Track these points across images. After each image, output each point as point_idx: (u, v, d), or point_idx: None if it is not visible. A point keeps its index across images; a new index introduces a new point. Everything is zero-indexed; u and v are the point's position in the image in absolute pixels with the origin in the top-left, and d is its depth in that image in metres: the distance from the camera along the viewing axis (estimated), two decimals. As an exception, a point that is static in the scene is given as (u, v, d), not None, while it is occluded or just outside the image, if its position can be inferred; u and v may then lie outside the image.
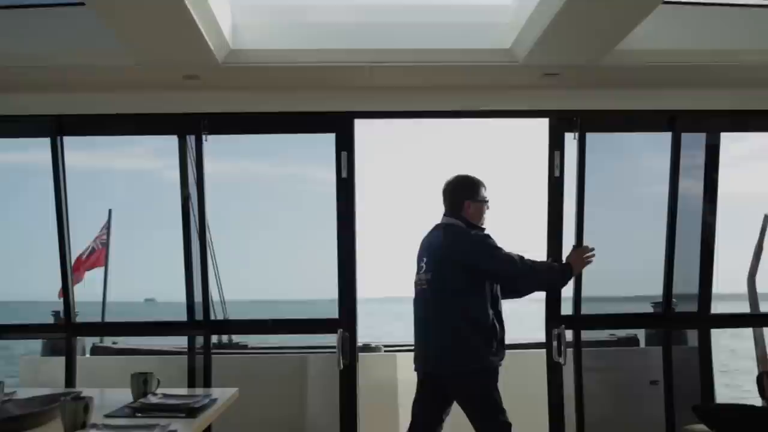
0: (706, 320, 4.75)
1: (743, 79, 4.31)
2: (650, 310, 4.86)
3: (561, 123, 4.46)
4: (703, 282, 4.67)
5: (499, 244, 3.98)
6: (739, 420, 4.12)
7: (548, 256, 4.43)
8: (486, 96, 4.49)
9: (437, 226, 4.16)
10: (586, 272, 4.38)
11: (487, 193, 4.18)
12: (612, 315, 4.86)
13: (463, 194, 4.12)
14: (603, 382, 5.62)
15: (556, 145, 4.45)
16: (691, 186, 4.68)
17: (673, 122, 4.50)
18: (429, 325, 4.03)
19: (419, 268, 4.09)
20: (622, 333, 5.76)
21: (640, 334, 5.43)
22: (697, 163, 4.67)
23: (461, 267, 3.96)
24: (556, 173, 4.45)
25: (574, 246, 4.37)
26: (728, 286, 5.08)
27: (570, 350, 4.49)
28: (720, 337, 5.30)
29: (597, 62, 3.93)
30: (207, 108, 4.45)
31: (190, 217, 4.59)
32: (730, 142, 4.76)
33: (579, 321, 4.59)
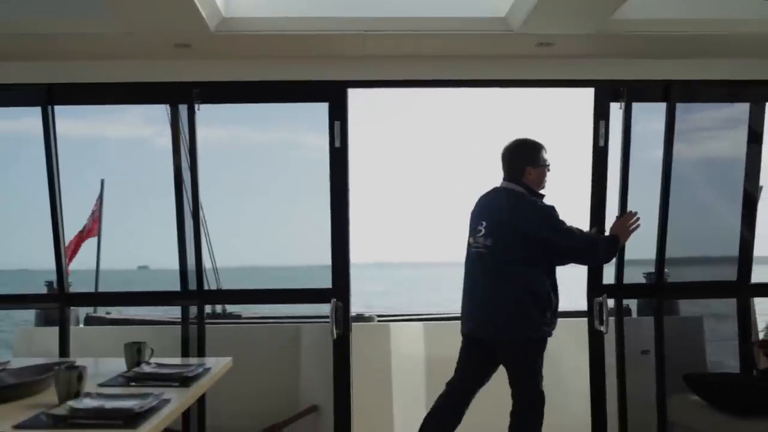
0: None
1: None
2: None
3: (608, 92, 4.44)
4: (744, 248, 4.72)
5: (562, 217, 4.01)
6: (730, 389, 4.17)
7: (591, 227, 4.44)
8: (481, 65, 4.45)
9: (496, 189, 4.16)
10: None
11: (548, 155, 4.17)
12: (652, 285, 4.84)
13: (524, 160, 4.11)
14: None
15: (601, 115, 4.44)
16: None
17: (668, 92, 4.48)
18: (487, 290, 4.05)
19: (476, 231, 4.10)
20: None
21: (632, 303, 5.47)
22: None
23: (522, 235, 3.97)
24: (601, 143, 4.43)
25: (617, 216, 4.36)
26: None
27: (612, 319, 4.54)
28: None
29: (592, 31, 3.91)
30: (199, 77, 4.41)
31: (182, 186, 4.57)
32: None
33: (621, 290, 4.61)
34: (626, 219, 4.20)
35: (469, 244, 4.15)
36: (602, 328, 4.43)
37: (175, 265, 4.58)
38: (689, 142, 4.73)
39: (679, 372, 4.42)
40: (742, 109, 4.74)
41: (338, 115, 4.44)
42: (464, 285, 4.19)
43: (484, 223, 4.06)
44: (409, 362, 5.58)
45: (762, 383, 4.27)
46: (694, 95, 4.63)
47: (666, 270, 4.70)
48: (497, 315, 4.03)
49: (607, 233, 4.30)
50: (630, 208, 4.45)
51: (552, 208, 4.04)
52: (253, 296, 5.17)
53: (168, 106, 4.56)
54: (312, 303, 4.73)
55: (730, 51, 4.31)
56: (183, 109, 4.52)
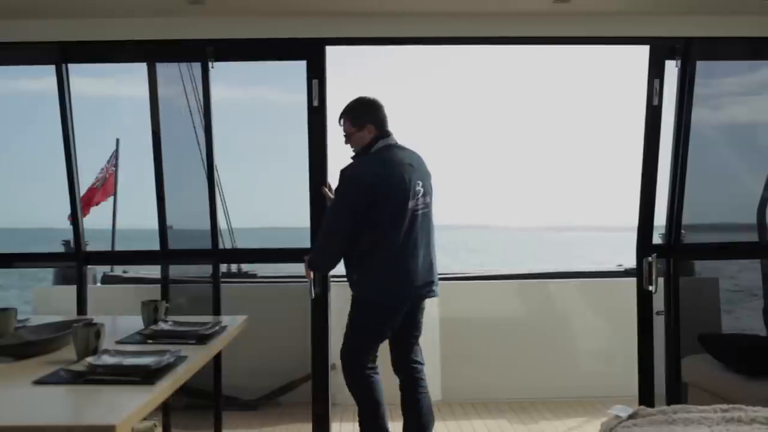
0: None
1: None
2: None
3: (662, 50, 4.37)
4: None
5: None
6: (745, 349, 4.16)
7: (642, 187, 4.44)
8: (466, 22, 4.38)
9: (399, 146, 4.03)
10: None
11: None
12: (699, 245, 4.84)
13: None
14: (608, 313, 5.74)
15: (656, 73, 4.37)
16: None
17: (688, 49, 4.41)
18: (432, 248, 4.04)
19: (415, 193, 3.92)
20: (628, 263, 5.82)
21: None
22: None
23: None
24: (655, 102, 4.38)
25: None
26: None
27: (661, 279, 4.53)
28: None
29: None
30: (213, 34, 4.38)
31: (197, 146, 4.57)
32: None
33: (671, 250, 4.59)
34: None
35: (409, 210, 3.88)
36: (651, 288, 4.43)
37: (196, 224, 4.60)
38: (713, 106, 4.67)
39: (695, 332, 4.42)
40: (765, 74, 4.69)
41: (316, 73, 4.38)
42: (406, 252, 3.88)
43: (420, 182, 3.96)
44: (424, 321, 5.61)
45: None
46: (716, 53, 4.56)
47: (683, 232, 4.68)
48: (433, 267, 4.06)
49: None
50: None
51: None
52: (267, 255, 5.18)
53: (180, 65, 4.53)
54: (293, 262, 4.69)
55: (750, 8, 4.23)
56: (191, 67, 4.49)
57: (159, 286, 4.63)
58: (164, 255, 4.62)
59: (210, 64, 4.42)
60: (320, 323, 4.48)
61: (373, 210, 3.83)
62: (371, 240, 3.87)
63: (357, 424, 4.10)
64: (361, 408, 4.03)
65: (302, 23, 4.33)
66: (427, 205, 4.00)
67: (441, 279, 5.92)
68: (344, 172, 3.94)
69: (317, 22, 4.33)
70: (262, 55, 4.60)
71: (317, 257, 4.08)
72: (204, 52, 4.39)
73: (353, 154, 4.02)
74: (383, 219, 3.84)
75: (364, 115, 3.98)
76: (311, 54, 4.39)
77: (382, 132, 3.98)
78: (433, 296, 4.08)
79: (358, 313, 4.01)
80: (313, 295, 4.41)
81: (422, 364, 4.15)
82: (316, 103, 4.38)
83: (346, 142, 4.05)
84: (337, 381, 5.39)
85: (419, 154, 4.09)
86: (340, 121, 4.06)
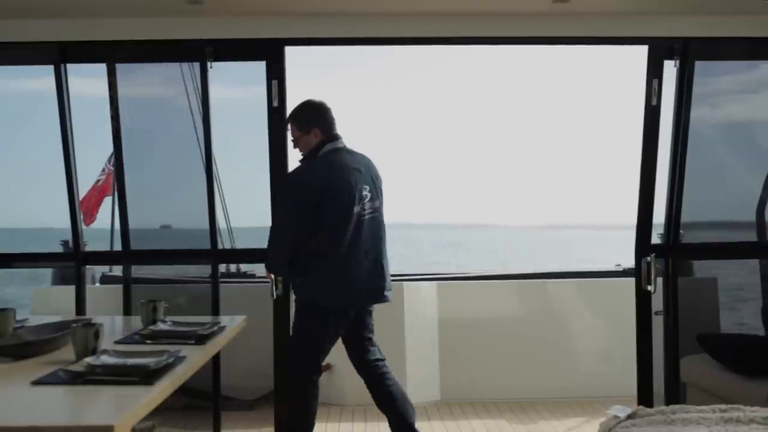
0: None
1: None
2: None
3: (661, 50, 4.38)
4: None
5: None
6: (744, 349, 4.16)
7: (641, 187, 4.45)
8: (432, 22, 4.37)
9: (347, 150, 4.01)
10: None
11: None
12: (698, 244, 4.83)
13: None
14: (607, 313, 5.74)
15: (654, 73, 4.39)
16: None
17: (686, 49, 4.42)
18: (383, 252, 4.03)
19: (362, 197, 3.90)
20: (626, 262, 5.83)
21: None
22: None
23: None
24: (653, 102, 4.39)
25: None
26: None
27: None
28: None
29: None
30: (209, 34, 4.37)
31: (196, 145, 4.57)
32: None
33: (670, 250, 4.60)
34: None
35: (356, 214, 3.87)
36: (650, 288, 4.44)
37: (196, 224, 4.60)
38: (711, 105, 4.68)
39: (693, 332, 4.42)
40: (764, 72, 4.69)
41: (276, 74, 4.39)
42: (350, 257, 3.87)
43: (367, 187, 3.94)
44: (422, 321, 5.61)
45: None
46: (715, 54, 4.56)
47: (681, 231, 4.68)
48: (389, 276, 4.06)
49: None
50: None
51: None
52: (265, 255, 5.18)
53: (181, 64, 4.53)
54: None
55: (749, 8, 4.24)
56: (193, 67, 4.49)
57: (158, 286, 4.63)
58: (126, 255, 4.61)
59: (209, 64, 4.42)
60: (282, 325, 4.46)
61: (319, 214, 3.82)
62: (316, 244, 3.86)
63: (357, 425, 4.10)
64: (295, 419, 3.97)
65: (261, 23, 4.32)
66: (375, 210, 3.98)
67: (440, 279, 5.97)
68: (291, 175, 4.01)
69: (276, 23, 4.32)
70: (220, 56, 4.53)
71: (271, 259, 4.08)
72: (203, 51, 4.39)
73: (301, 158, 4.01)
74: (328, 223, 3.83)
75: (311, 119, 3.96)
76: (270, 54, 4.39)
77: (329, 136, 3.96)
78: (384, 302, 4.06)
79: (303, 319, 3.97)
80: (275, 296, 4.41)
81: (383, 359, 4.13)
82: (275, 103, 4.39)
83: (294, 147, 4.05)
84: (334, 381, 5.41)
85: (369, 158, 4.09)
86: (287, 125, 4.07)
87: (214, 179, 4.61)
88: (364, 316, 4.07)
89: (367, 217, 3.92)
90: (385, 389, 4.03)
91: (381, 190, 4.05)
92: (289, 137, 4.05)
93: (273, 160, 4.44)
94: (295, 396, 3.94)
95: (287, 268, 4.02)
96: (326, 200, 3.82)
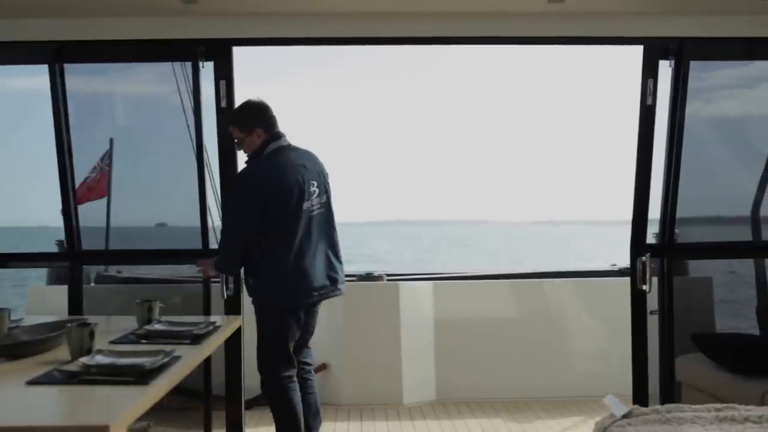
0: None
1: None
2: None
3: (656, 50, 4.38)
4: None
5: None
6: (739, 349, 4.18)
7: (636, 187, 4.46)
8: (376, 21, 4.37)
9: (292, 147, 4.02)
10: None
11: None
12: (693, 244, 4.86)
13: None
14: (602, 312, 5.74)
15: (649, 73, 4.39)
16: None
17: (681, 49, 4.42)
18: (334, 247, 4.04)
19: (310, 194, 3.92)
20: (623, 261, 5.83)
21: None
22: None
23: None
24: (649, 101, 4.40)
25: None
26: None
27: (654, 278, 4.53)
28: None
29: None
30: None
31: (189, 144, 4.56)
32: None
33: (665, 250, 4.60)
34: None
35: (304, 211, 3.88)
36: (645, 287, 4.45)
37: (192, 222, 4.60)
38: (706, 100, 4.70)
39: (688, 332, 4.43)
40: (759, 67, 4.71)
41: (223, 74, 4.38)
42: (302, 253, 3.87)
43: (314, 183, 3.95)
44: (418, 321, 5.62)
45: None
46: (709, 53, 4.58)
47: (676, 230, 4.69)
48: (342, 269, 4.07)
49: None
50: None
51: None
52: None
53: (173, 64, 4.52)
54: None
55: (744, 8, 4.25)
56: (186, 66, 4.48)
57: (153, 285, 4.62)
58: (71, 255, 4.60)
59: (201, 63, 4.41)
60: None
61: (268, 213, 3.83)
62: (267, 244, 3.86)
63: (353, 424, 4.09)
64: (280, 420, 3.95)
65: (208, 23, 4.31)
66: (323, 205, 4.00)
67: (436, 279, 5.96)
68: (239, 176, 4.04)
69: (223, 23, 4.31)
70: (152, 56, 4.55)
71: (221, 259, 4.07)
72: (195, 51, 4.38)
73: (246, 159, 4.01)
74: (278, 222, 3.84)
75: (252, 119, 3.95)
76: (218, 55, 4.38)
77: (272, 134, 3.96)
78: (338, 294, 4.07)
79: (263, 320, 3.95)
80: (225, 296, 4.40)
81: (311, 365, 4.14)
82: (223, 104, 4.37)
83: (238, 149, 4.06)
84: (330, 381, 5.41)
85: (314, 154, 4.10)
86: (228, 128, 4.08)
87: (206, 177, 4.59)
88: (311, 316, 4.07)
89: (316, 212, 3.94)
90: (304, 395, 4.02)
91: (328, 185, 4.09)
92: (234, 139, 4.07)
93: (222, 161, 4.44)
94: (274, 395, 3.92)
95: (238, 268, 4.07)
96: (275, 199, 3.83)
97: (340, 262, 4.05)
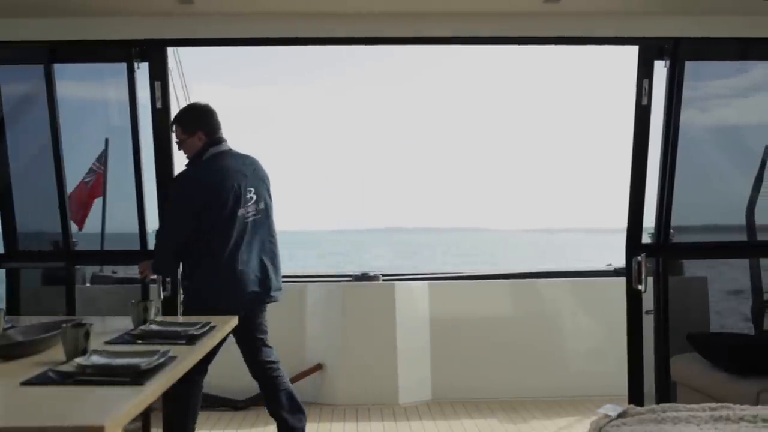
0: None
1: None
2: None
3: (651, 50, 4.39)
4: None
5: None
6: (734, 348, 4.18)
7: (631, 187, 4.47)
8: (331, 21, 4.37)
9: (232, 153, 4.05)
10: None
11: None
12: (688, 244, 4.88)
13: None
14: (598, 312, 5.75)
15: (645, 73, 4.40)
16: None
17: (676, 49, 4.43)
18: (274, 254, 4.06)
19: (246, 200, 3.96)
20: (619, 263, 5.84)
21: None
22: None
23: (270, 195, 4.12)
24: (644, 102, 4.40)
25: None
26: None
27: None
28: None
29: None
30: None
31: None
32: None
33: (660, 250, 4.61)
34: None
35: (239, 217, 3.92)
36: (640, 287, 4.45)
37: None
38: (701, 109, 4.71)
39: (683, 332, 4.44)
40: (755, 75, 4.72)
41: (158, 75, 4.38)
42: (236, 259, 3.91)
43: (252, 189, 3.99)
44: (414, 321, 5.62)
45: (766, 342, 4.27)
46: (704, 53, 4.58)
47: (672, 231, 4.70)
48: (279, 277, 4.09)
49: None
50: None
51: None
52: None
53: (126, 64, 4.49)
54: None
55: (739, 8, 4.25)
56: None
57: (152, 286, 4.60)
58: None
59: (136, 64, 4.40)
60: None
61: (203, 217, 3.87)
62: (202, 247, 3.91)
63: (349, 424, 4.09)
64: (174, 419, 3.99)
65: (142, 24, 4.31)
66: (259, 212, 4.02)
67: (432, 279, 5.96)
68: (177, 178, 4.09)
69: (157, 23, 4.31)
70: (101, 57, 4.52)
71: (157, 260, 4.11)
72: (130, 53, 4.37)
73: (186, 162, 4.05)
74: (214, 226, 3.89)
75: (195, 122, 4.00)
76: (151, 56, 4.37)
77: (213, 139, 4.01)
78: (273, 302, 4.09)
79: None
80: (162, 297, 4.41)
81: (277, 362, 4.13)
82: (159, 105, 4.38)
83: (179, 149, 4.09)
84: (325, 381, 5.41)
85: (256, 160, 4.14)
86: (172, 128, 4.10)
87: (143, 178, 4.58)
88: (256, 316, 4.07)
89: (251, 219, 3.98)
90: (277, 393, 4.04)
91: (269, 192, 4.12)
92: (174, 139, 4.09)
93: (158, 162, 4.45)
94: (176, 395, 3.87)
95: (174, 269, 4.15)
96: (211, 203, 3.89)
97: (277, 269, 4.07)
